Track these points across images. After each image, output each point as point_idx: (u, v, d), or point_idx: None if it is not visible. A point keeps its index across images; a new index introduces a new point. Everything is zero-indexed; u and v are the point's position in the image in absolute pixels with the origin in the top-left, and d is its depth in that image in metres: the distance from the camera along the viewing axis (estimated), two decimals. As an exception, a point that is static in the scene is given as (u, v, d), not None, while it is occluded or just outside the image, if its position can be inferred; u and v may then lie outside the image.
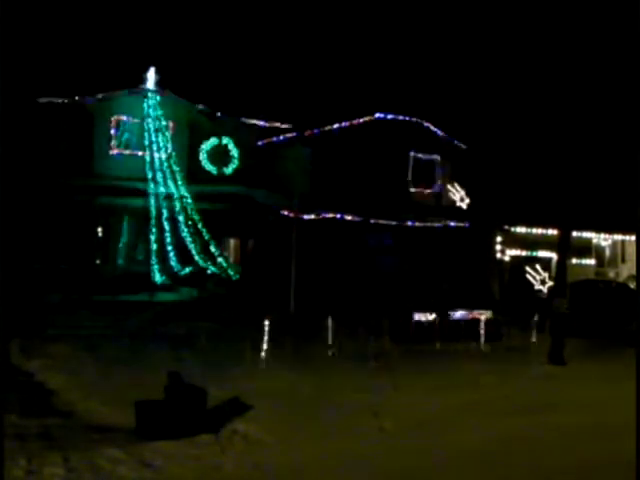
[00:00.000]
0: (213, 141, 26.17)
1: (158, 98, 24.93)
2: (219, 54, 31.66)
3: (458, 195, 27.82)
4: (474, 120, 27.95)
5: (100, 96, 24.41)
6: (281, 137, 26.03)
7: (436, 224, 24.95)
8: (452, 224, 25.23)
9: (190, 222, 24.27)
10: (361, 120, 26.19)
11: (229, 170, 26.34)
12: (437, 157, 27.41)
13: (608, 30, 20.30)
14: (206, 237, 24.31)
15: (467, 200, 27.70)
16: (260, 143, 26.86)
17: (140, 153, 24.63)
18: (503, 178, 27.07)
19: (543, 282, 24.82)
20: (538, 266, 25.11)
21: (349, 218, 23.46)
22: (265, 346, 15.22)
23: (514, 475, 7.70)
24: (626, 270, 28.54)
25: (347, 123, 25.95)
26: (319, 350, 15.91)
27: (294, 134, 26.66)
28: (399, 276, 22.85)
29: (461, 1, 28.92)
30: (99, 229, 24.24)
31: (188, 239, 24.07)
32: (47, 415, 9.59)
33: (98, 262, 24.00)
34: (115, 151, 24.70)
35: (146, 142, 24.64)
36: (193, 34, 31.87)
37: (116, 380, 11.65)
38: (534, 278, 24.99)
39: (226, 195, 24.93)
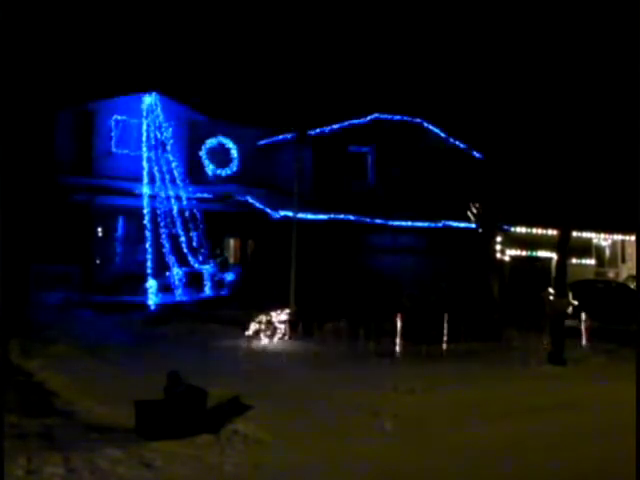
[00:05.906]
0: (212, 141, 26.18)
1: (158, 98, 24.93)
2: (219, 54, 31.68)
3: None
4: (474, 121, 27.92)
5: (100, 96, 24.41)
6: (281, 137, 26.02)
7: (436, 224, 24.96)
8: (452, 224, 25.25)
9: (189, 222, 24.29)
10: (361, 120, 26.19)
11: (229, 170, 26.36)
12: (437, 157, 27.36)
13: (607, 30, 20.29)
14: (205, 237, 24.31)
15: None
16: (260, 143, 26.86)
17: (140, 153, 24.63)
18: (503, 178, 27.03)
19: (543, 282, 24.80)
20: (538, 266, 25.11)
21: (349, 218, 23.47)
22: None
23: (514, 476, 7.70)
24: (626, 270, 28.57)
25: (348, 123, 25.95)
26: (319, 350, 15.91)
27: (294, 134, 26.65)
28: (399, 276, 22.87)
29: (461, 2, 28.91)
30: (99, 229, 24.26)
31: (187, 239, 24.08)
32: (47, 415, 9.58)
33: (98, 262, 24.01)
34: (115, 151, 24.71)
35: (146, 142, 24.63)
36: (193, 34, 31.90)
37: (116, 380, 11.64)
38: (534, 278, 24.97)
39: (226, 195, 24.94)
